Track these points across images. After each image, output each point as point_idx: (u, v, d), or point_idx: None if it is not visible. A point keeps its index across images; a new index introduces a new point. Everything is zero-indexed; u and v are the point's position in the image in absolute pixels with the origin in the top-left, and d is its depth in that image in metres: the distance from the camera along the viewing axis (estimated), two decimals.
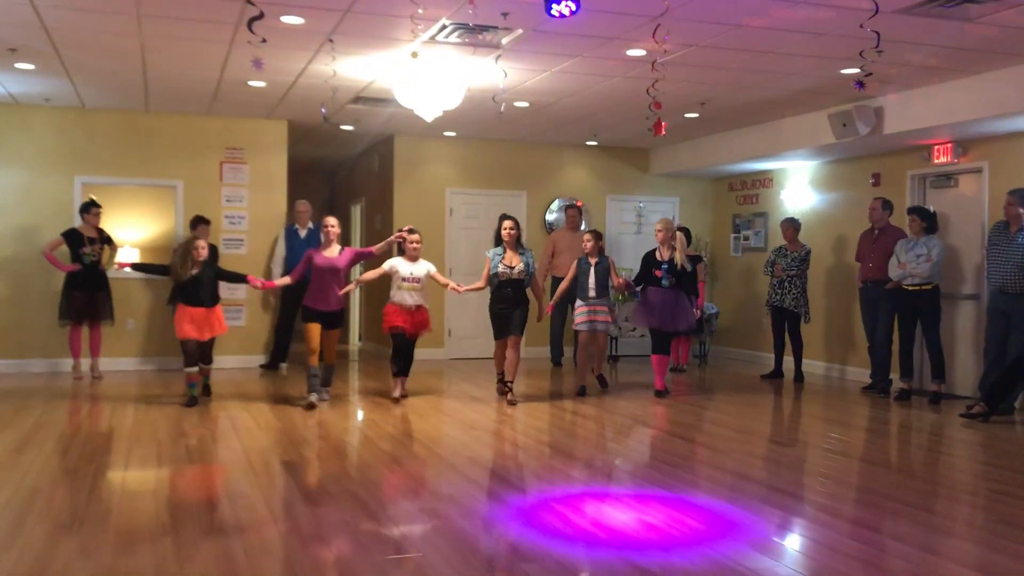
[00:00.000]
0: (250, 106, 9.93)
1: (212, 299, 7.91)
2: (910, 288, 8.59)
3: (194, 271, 7.75)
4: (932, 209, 8.84)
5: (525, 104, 9.38)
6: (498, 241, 8.21)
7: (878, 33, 5.18)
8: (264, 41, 5.66)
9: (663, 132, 6.01)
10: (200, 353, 8.04)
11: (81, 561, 3.82)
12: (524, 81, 8.30)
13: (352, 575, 3.68)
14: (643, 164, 12.81)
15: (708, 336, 11.84)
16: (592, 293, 8.60)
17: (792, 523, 4.66)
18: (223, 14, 6.30)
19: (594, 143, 12.20)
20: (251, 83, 8.56)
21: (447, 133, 11.48)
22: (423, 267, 8.21)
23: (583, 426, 7.32)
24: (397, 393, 8.24)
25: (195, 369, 7.97)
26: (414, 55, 6.54)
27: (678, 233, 8.79)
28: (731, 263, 12.48)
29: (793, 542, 4.38)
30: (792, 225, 10.16)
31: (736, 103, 9.19)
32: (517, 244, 8.15)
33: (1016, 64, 7.34)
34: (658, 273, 8.54)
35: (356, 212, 14.07)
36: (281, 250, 10.58)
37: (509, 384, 8.22)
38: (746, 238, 12.13)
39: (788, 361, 10.27)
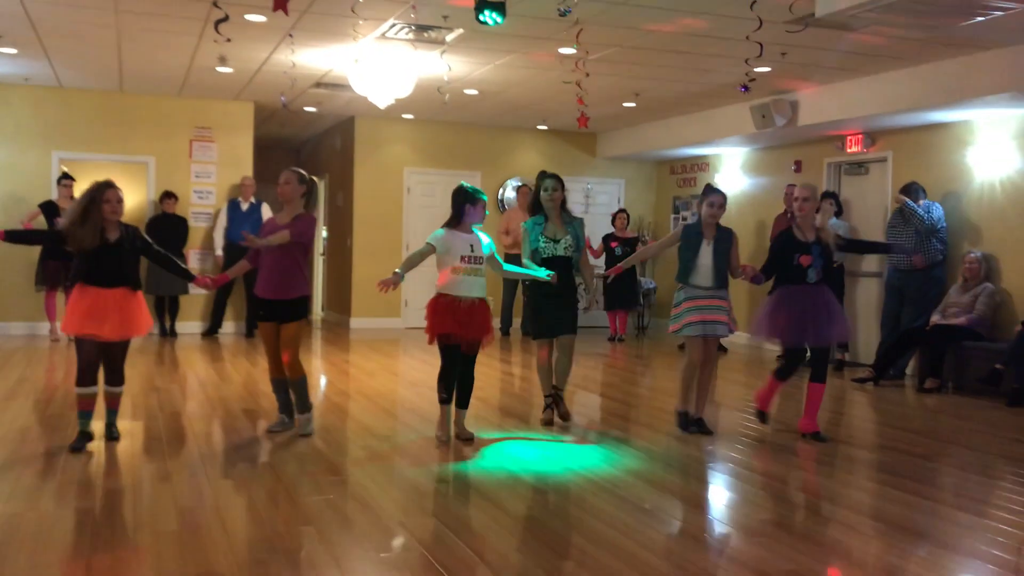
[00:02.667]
0: (218, 89, 10.61)
1: (134, 280, 5.33)
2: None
3: (109, 236, 5.19)
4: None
5: (475, 92, 10.14)
6: (536, 208, 6.25)
7: (761, 44, 6.01)
8: (228, 40, 6.37)
9: (586, 125, 6.80)
10: (106, 365, 5.40)
11: (59, 502, 4.60)
12: (471, 72, 9.06)
13: (298, 491, 4.49)
14: (591, 147, 13.62)
15: (647, 309, 12.73)
16: (709, 280, 5.91)
17: (713, 478, 5.47)
18: (192, 11, 7.00)
19: (544, 127, 12.98)
20: (219, 69, 9.24)
21: (405, 115, 12.21)
22: (486, 241, 5.60)
23: (527, 388, 8.16)
24: (440, 433, 5.68)
25: (91, 391, 5.31)
26: (356, 61, 7.30)
27: (825, 204, 6.73)
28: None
29: (712, 494, 5.14)
30: None
31: (668, 95, 10.01)
32: (563, 211, 6.24)
33: (907, 67, 8.21)
34: (805, 261, 5.84)
35: (320, 189, 14.76)
36: (222, 221, 11.24)
37: (559, 392, 6.32)
38: (685, 218, 12.98)
39: None
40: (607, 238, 11.85)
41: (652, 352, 10.93)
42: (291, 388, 5.73)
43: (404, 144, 12.73)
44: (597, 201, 13.59)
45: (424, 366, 9.09)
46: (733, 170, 12.04)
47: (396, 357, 9.92)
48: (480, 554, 3.71)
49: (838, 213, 9.54)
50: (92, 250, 5.13)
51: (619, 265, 6.45)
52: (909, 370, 8.96)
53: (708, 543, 4.02)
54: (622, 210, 11.84)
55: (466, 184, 5.65)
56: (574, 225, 6.21)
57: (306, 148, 16.02)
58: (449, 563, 3.56)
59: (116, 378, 5.44)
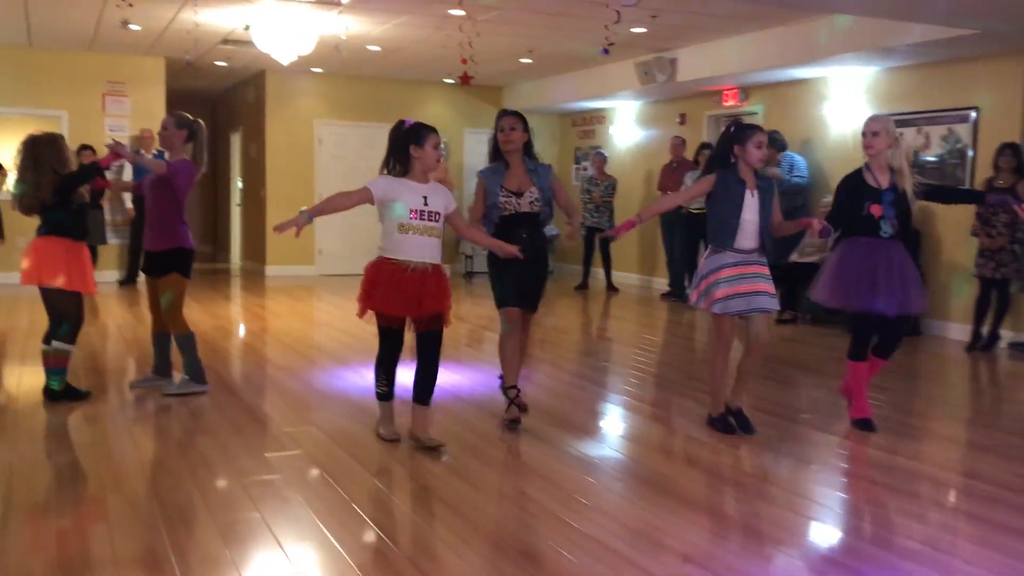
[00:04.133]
0: (129, 45, 10.93)
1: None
2: (696, 212, 10.35)
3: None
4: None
5: (377, 48, 10.66)
6: (497, 154, 4.99)
7: (619, 12, 6.69)
8: (131, 5, 6.81)
9: (468, 83, 7.41)
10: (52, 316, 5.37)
11: None
12: (370, 30, 9.59)
13: (199, 411, 5.16)
14: (497, 100, 14.21)
15: (551, 255, 13.50)
16: (753, 241, 4.76)
17: (605, 406, 6.23)
18: None
19: (451, 80, 13.53)
20: (128, 27, 9.59)
21: (314, 69, 12.64)
22: (443, 194, 4.48)
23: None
24: (385, 431, 4.64)
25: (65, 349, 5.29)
26: (247, 28, 7.79)
27: (904, 143, 5.23)
28: (572, 191, 14.08)
29: (607, 423, 5.87)
30: (600, 158, 11.83)
31: (558, 52, 10.68)
32: (527, 156, 4.97)
33: (771, 27, 9.01)
34: (875, 210, 4.85)
35: (235, 140, 15.12)
36: (128, 173, 11.58)
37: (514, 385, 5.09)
38: (584, 168, 13.75)
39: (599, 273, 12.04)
40: None
41: (554, 296, 11.73)
42: (176, 344, 5.52)
43: (314, 97, 13.18)
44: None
45: (332, 308, 9.75)
46: (627, 123, 12.81)
47: (307, 301, 10.53)
48: (354, 455, 4.42)
49: None
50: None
51: (631, 219, 4.85)
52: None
53: (563, 450, 4.76)
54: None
55: (408, 120, 4.44)
56: (540, 174, 4.91)
57: (221, 101, 16.28)
58: (324, 461, 4.28)
59: (66, 332, 5.31)
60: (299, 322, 8.87)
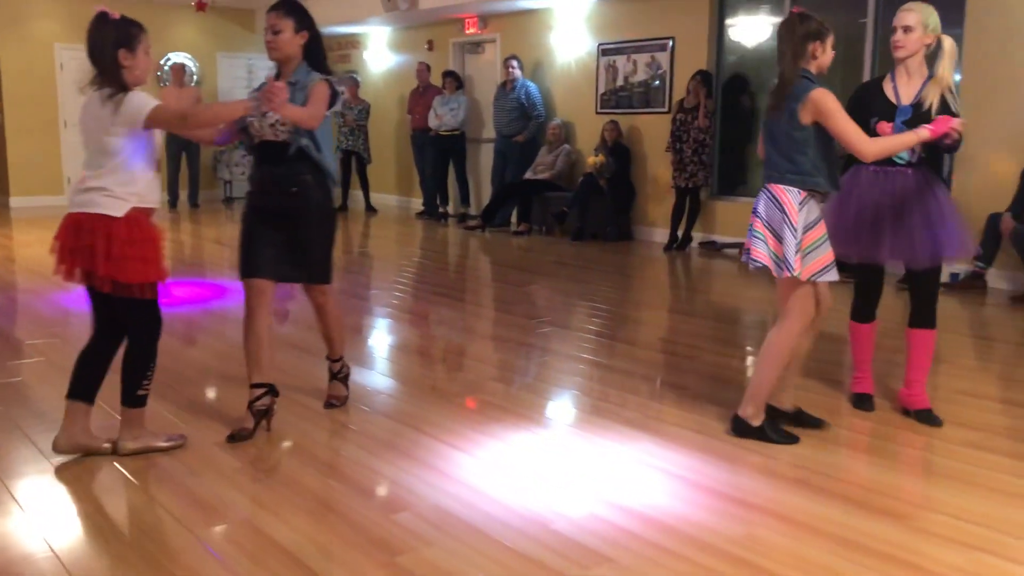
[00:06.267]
0: None
1: None
2: (444, 134, 11.06)
3: None
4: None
5: None
6: None
7: None
8: None
9: (204, 9, 7.62)
10: None
11: None
12: None
13: None
14: (250, 24, 14.19)
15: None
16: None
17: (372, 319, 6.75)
18: None
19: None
20: None
21: None
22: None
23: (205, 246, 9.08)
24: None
25: None
26: None
27: (948, 43, 3.65)
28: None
29: (375, 339, 6.31)
30: (353, 83, 12.28)
31: None
32: (309, 67, 3.69)
33: None
34: (882, 129, 3.66)
35: None
36: None
37: (338, 368, 4.11)
38: (341, 92, 14.04)
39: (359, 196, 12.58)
40: None
41: None
42: None
43: (52, 19, 12.64)
44: (260, 77, 14.26)
45: None
46: (380, 48, 13.24)
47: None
48: None
49: (459, 87, 11.10)
50: None
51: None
52: (514, 218, 10.87)
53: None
54: (352, 77, 12.63)
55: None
56: (299, 88, 3.55)
57: None
58: (65, 364, 4.65)
59: None
60: (48, 250, 8.83)
